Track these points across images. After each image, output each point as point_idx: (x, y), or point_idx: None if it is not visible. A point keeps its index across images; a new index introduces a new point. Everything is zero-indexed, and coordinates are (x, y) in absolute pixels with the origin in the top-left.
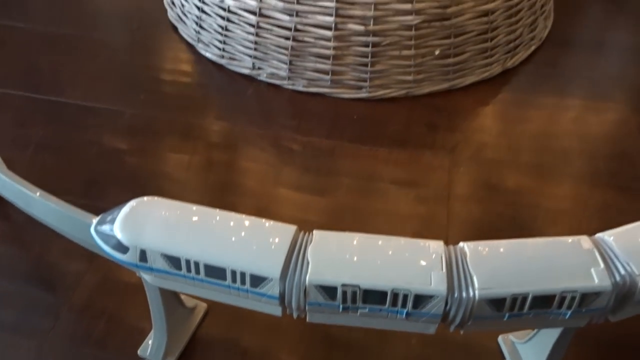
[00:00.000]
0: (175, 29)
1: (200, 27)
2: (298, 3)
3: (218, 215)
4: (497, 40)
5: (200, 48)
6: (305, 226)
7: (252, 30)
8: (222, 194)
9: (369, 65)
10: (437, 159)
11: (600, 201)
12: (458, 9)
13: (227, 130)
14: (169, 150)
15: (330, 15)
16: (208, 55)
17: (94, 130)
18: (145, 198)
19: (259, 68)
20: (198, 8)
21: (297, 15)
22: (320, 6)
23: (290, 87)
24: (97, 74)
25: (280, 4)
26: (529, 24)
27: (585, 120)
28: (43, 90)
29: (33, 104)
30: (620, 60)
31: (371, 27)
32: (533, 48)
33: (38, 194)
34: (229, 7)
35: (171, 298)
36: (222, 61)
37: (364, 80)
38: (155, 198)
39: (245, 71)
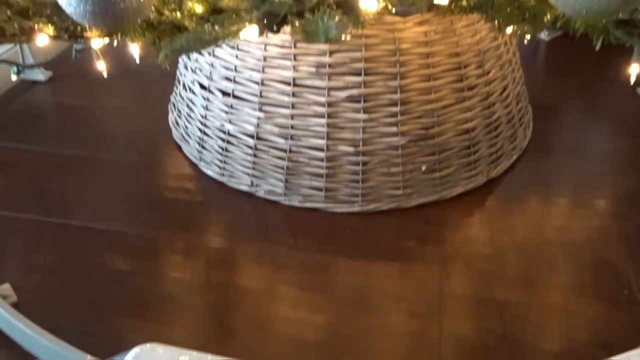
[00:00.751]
0: (179, 147)
1: (202, 147)
2: (292, 128)
3: None
4: (480, 154)
5: (202, 166)
6: (301, 345)
7: (250, 151)
8: (221, 314)
9: (360, 182)
10: (428, 273)
11: (588, 313)
12: (440, 129)
13: (226, 249)
14: (170, 270)
15: (322, 138)
16: (209, 173)
17: (99, 252)
18: (148, 345)
19: (257, 185)
20: (200, 130)
21: (291, 139)
22: (313, 130)
23: (286, 202)
24: (104, 194)
25: (276, 129)
26: (509, 136)
27: (568, 227)
28: (52, 212)
29: (42, 228)
30: (599, 166)
31: (360, 148)
32: (515, 157)
33: (36, 333)
34: (228, 130)
35: None
36: (223, 179)
37: (356, 196)
38: (156, 346)
39: (244, 188)
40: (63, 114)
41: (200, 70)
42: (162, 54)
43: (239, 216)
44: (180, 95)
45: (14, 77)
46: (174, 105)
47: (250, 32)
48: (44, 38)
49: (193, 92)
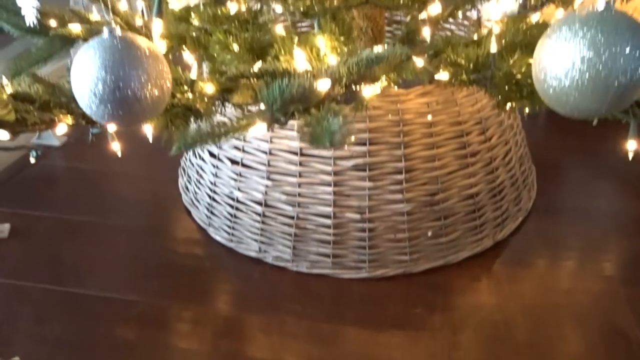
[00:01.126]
0: (188, 212)
1: (212, 213)
2: (299, 196)
3: None
4: (485, 218)
5: (211, 232)
6: None
7: (258, 218)
8: None
9: (367, 248)
10: (437, 342)
11: None
12: (445, 195)
13: (234, 317)
14: (178, 341)
15: (329, 205)
16: (218, 238)
17: (108, 322)
18: None
19: (265, 251)
20: (209, 196)
21: (298, 206)
22: (320, 198)
23: (294, 269)
24: (115, 261)
25: (284, 197)
26: (513, 199)
27: (576, 291)
28: (63, 281)
29: (52, 297)
30: (604, 227)
31: (367, 215)
32: (520, 219)
33: None
34: (237, 197)
35: None
36: (231, 244)
37: (363, 262)
38: None
39: (253, 254)
40: (76, 178)
41: None
42: (176, 146)
43: (247, 283)
44: (190, 161)
45: (32, 160)
46: (183, 170)
47: (258, 128)
48: (63, 127)
49: (203, 160)
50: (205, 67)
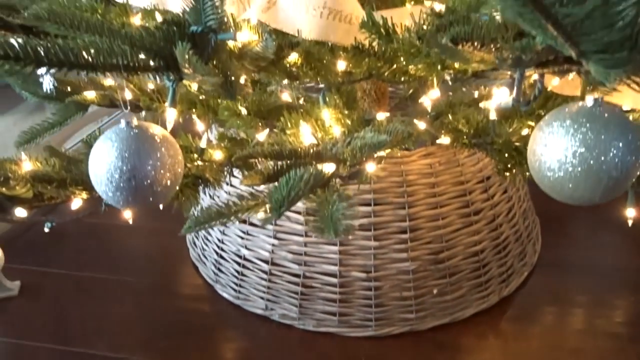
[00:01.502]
0: (195, 267)
1: (219, 269)
2: (305, 255)
3: None
4: (490, 274)
5: (218, 288)
6: None
7: (265, 276)
8: None
9: (373, 307)
10: None
11: None
12: (450, 253)
13: None
14: None
15: (335, 264)
16: (225, 295)
17: None
18: None
19: (272, 309)
20: (217, 253)
21: (305, 265)
22: (325, 257)
23: (300, 327)
24: (123, 320)
25: (290, 255)
26: (518, 254)
27: (584, 350)
28: (71, 341)
29: (61, 358)
30: (610, 283)
31: (372, 274)
32: (525, 274)
33: None
34: (244, 255)
35: None
36: (238, 302)
37: (369, 320)
38: None
39: (259, 311)
40: (85, 233)
41: (218, 197)
42: (186, 227)
43: (253, 341)
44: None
45: (46, 229)
46: None
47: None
48: (78, 202)
49: None
50: (215, 131)
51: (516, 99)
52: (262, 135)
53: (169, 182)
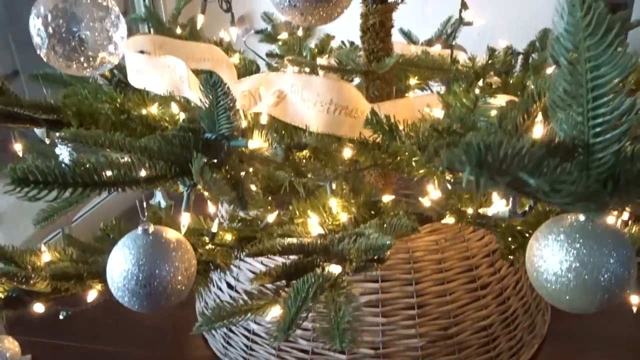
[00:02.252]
0: (205, 340)
1: (228, 343)
2: (314, 330)
3: None
4: (500, 348)
5: None
6: None
7: (273, 351)
8: None
9: None
10: None
11: None
12: (458, 328)
13: None
14: None
15: None
16: None
17: None
18: None
19: None
20: (226, 327)
21: (313, 341)
22: None
23: None
24: None
25: (299, 331)
26: (527, 326)
27: None
28: None
29: None
30: (622, 353)
31: (380, 350)
32: (536, 347)
33: None
34: (253, 330)
35: None
36: None
37: None
38: None
39: None
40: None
41: (221, 290)
42: (196, 326)
43: None
44: (207, 287)
45: (61, 317)
46: (201, 295)
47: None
48: (94, 293)
49: (220, 289)
50: (225, 212)
51: (512, 210)
52: (271, 217)
53: (183, 287)
